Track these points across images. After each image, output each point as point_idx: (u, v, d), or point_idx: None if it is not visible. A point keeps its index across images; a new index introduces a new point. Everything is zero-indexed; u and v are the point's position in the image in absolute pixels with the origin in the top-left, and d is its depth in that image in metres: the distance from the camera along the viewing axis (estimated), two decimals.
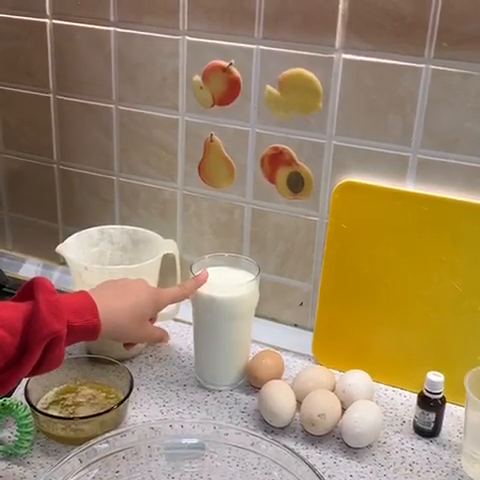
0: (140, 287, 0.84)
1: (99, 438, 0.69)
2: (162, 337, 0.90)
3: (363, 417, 0.82)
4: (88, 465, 0.69)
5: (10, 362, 0.68)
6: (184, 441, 0.72)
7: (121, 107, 1.06)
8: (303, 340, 1.01)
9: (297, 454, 0.70)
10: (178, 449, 0.71)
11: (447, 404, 0.85)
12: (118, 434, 0.71)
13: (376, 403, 0.89)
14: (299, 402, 0.86)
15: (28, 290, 0.73)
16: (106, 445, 0.69)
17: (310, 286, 1.03)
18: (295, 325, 1.07)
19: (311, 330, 1.01)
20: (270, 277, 1.05)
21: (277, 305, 1.07)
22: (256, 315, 1.03)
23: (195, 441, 0.72)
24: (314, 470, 0.67)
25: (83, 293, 0.78)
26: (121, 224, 1.09)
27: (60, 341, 0.71)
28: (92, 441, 0.69)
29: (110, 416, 0.81)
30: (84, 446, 0.69)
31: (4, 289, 1.11)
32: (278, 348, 1.00)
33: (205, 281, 0.88)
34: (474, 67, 0.83)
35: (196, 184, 1.05)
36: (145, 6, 0.98)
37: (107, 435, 0.70)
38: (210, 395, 0.92)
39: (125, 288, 0.83)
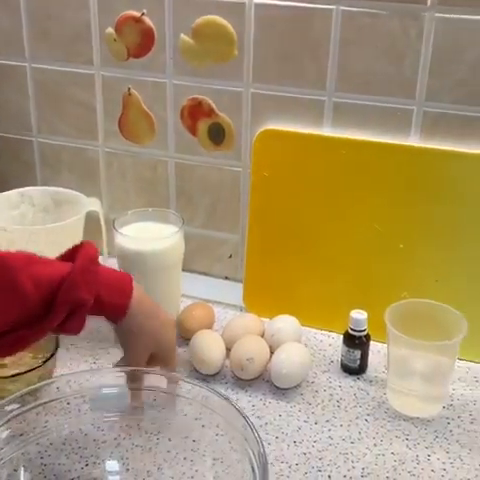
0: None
1: (11, 397, 0.68)
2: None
3: (290, 358, 0.84)
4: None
5: (33, 318, 0.66)
6: (106, 390, 0.72)
7: (35, 65, 1.03)
8: (234, 292, 1.02)
9: (216, 391, 0.70)
10: (102, 399, 0.71)
11: (373, 342, 0.87)
12: (37, 388, 0.70)
13: (305, 346, 0.90)
14: (229, 350, 0.87)
15: (73, 252, 0.71)
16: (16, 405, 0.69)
17: (238, 238, 1.03)
18: (226, 277, 1.07)
19: (242, 281, 1.02)
20: (198, 231, 1.05)
21: (207, 259, 1.07)
22: (187, 270, 1.03)
23: (117, 389, 0.72)
24: (237, 409, 0.68)
25: (126, 275, 0.75)
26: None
27: (83, 310, 0.69)
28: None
29: (37, 374, 0.80)
30: None
31: None
32: (210, 301, 1.00)
33: None
34: (381, 6, 0.83)
35: (118, 141, 1.04)
36: None
37: (26, 390, 0.69)
38: None
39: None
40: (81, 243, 0.73)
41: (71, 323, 0.69)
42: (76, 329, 0.71)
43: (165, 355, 0.78)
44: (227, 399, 0.70)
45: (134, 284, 0.74)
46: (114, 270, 0.75)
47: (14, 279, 0.65)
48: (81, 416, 0.75)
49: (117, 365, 0.76)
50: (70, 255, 0.71)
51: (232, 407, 0.68)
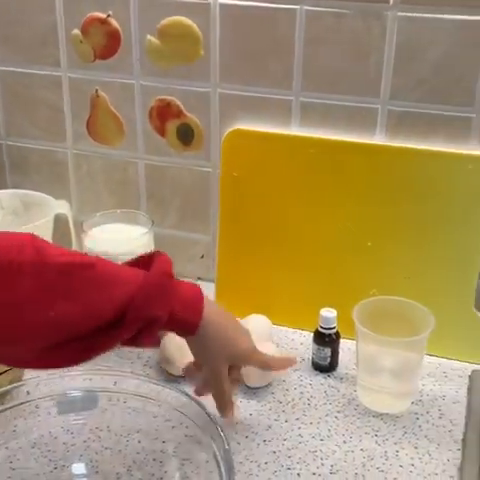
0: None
1: None
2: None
3: None
4: None
5: (101, 330, 0.62)
6: (75, 393, 0.72)
7: (2, 68, 1.02)
8: (206, 292, 1.00)
9: (184, 392, 0.71)
10: (69, 402, 0.71)
11: (343, 340, 0.88)
12: (8, 391, 0.70)
13: (276, 345, 0.91)
14: None
15: (145, 262, 0.67)
16: None
17: (209, 238, 1.04)
18: (198, 278, 1.07)
19: (214, 282, 1.02)
20: (170, 232, 1.05)
21: (179, 260, 1.05)
22: None
23: (86, 392, 0.72)
24: (205, 410, 0.68)
25: (197, 288, 0.72)
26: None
27: (156, 327, 0.66)
28: None
29: (7, 379, 0.79)
30: None
31: None
32: None
33: (293, 363, 0.82)
34: (345, 5, 0.84)
35: (86, 143, 1.03)
36: None
37: None
38: (111, 352, 0.91)
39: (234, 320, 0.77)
40: (155, 253, 0.69)
41: (142, 339, 0.66)
42: (148, 344, 0.67)
43: (243, 364, 0.77)
44: (194, 400, 0.70)
45: (204, 297, 0.71)
46: (185, 283, 0.71)
47: (83, 289, 0.61)
48: (50, 419, 0.75)
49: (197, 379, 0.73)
50: (144, 264, 0.67)
51: (199, 408, 0.69)
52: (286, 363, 0.81)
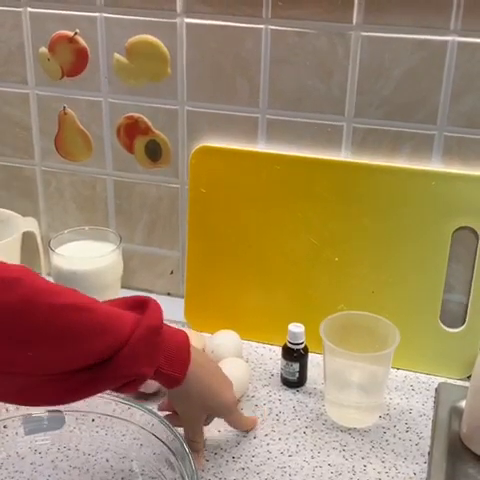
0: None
1: None
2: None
3: (229, 374, 0.83)
4: None
5: (87, 379, 0.62)
6: (40, 413, 0.71)
7: None
8: (176, 308, 1.02)
9: (152, 411, 0.71)
10: (36, 422, 0.70)
11: (313, 354, 0.88)
12: None
13: (246, 360, 0.91)
14: None
15: (139, 304, 0.67)
16: None
17: (179, 254, 1.04)
18: (168, 294, 1.07)
19: (184, 297, 1.02)
20: (139, 248, 1.05)
21: (149, 275, 1.07)
22: (129, 287, 1.03)
23: (52, 412, 0.72)
24: (172, 429, 0.68)
25: (181, 334, 0.70)
26: None
27: (142, 381, 0.66)
28: None
29: None
30: None
31: None
32: None
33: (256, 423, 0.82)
34: (309, 25, 0.85)
35: (54, 159, 1.03)
36: None
37: None
38: None
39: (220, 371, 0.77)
40: (149, 300, 0.68)
41: (126, 390, 0.66)
42: (129, 392, 0.68)
43: (223, 415, 0.77)
44: (162, 419, 0.70)
45: (191, 348, 0.70)
46: (172, 332, 0.69)
47: (66, 335, 0.60)
48: (18, 439, 0.74)
49: (174, 425, 0.71)
50: (134, 306, 0.67)
51: (167, 427, 0.69)
52: (252, 423, 0.82)
